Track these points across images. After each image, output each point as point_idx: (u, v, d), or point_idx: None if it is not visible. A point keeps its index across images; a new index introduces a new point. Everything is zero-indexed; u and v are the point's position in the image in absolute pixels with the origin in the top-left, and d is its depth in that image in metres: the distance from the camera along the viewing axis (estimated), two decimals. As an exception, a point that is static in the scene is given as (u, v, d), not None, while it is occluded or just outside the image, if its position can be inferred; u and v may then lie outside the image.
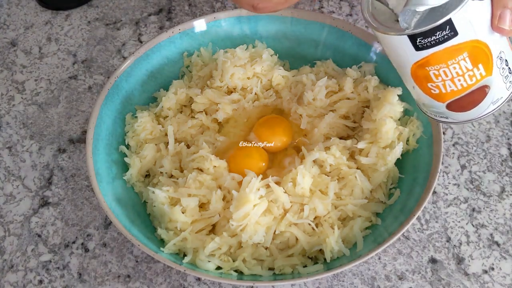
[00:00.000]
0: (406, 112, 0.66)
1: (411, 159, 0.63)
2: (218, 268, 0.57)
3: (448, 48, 0.47)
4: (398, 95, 0.64)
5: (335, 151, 0.61)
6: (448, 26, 0.46)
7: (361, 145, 0.63)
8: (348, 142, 0.64)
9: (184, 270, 0.54)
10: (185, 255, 0.58)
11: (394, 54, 0.52)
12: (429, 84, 0.51)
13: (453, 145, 0.71)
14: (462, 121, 0.54)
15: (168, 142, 0.66)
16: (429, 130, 0.62)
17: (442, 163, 0.69)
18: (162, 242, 0.59)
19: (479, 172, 0.69)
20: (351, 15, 0.85)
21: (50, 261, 0.64)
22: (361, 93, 0.67)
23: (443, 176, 0.68)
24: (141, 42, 0.84)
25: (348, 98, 0.67)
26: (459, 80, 0.50)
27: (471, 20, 0.46)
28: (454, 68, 0.49)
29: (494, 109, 0.52)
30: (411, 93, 0.56)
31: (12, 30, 0.86)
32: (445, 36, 0.46)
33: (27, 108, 0.77)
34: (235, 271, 0.57)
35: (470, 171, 0.69)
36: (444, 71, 0.49)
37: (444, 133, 0.71)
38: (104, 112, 0.66)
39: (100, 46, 0.83)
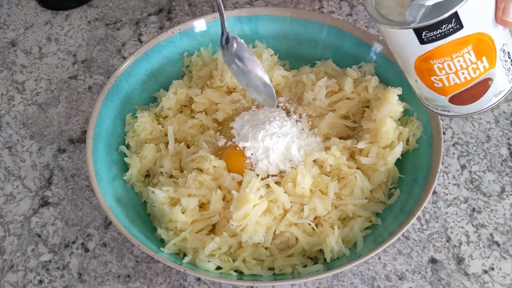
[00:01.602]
0: (406, 112, 0.66)
1: (411, 159, 0.63)
2: (218, 268, 0.57)
3: (453, 41, 0.48)
4: (398, 95, 0.64)
5: (335, 151, 0.61)
6: (454, 19, 0.46)
7: (361, 145, 0.63)
8: (348, 142, 0.64)
9: (184, 270, 0.54)
10: (185, 255, 0.58)
11: (398, 48, 0.52)
12: (432, 78, 0.51)
13: (453, 145, 0.71)
14: (464, 114, 0.54)
15: (168, 142, 0.66)
16: (429, 130, 0.62)
17: (442, 163, 0.69)
18: (162, 242, 0.59)
19: (479, 172, 0.69)
20: (351, 15, 0.85)
21: (50, 261, 0.64)
22: (361, 93, 0.67)
23: (443, 176, 0.68)
24: (141, 42, 0.84)
25: (348, 98, 0.67)
26: (463, 73, 0.50)
27: (476, 13, 0.47)
28: (459, 61, 0.49)
29: (496, 102, 0.53)
30: (412, 87, 0.56)
31: (12, 30, 0.86)
32: (451, 29, 0.47)
33: (27, 108, 0.77)
34: (235, 271, 0.57)
35: (470, 171, 0.69)
36: (448, 64, 0.49)
37: (444, 133, 0.71)
38: (104, 112, 0.66)
39: (100, 46, 0.83)
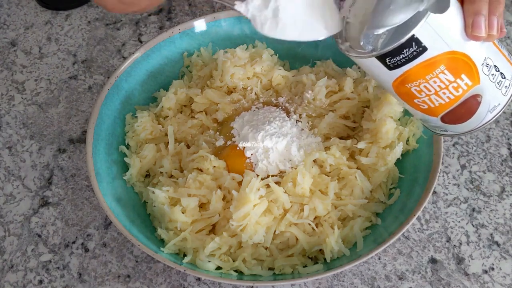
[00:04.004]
0: (406, 112, 0.66)
1: (411, 159, 0.63)
2: (218, 268, 0.57)
3: (421, 64, 0.45)
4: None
5: (335, 151, 0.61)
6: (414, 43, 0.44)
7: (361, 145, 0.63)
8: (348, 142, 0.64)
9: (184, 270, 0.54)
10: (185, 255, 0.58)
11: (374, 75, 0.50)
12: (415, 101, 0.50)
13: (453, 145, 0.71)
14: (463, 132, 0.52)
15: (168, 142, 0.66)
16: (429, 130, 0.62)
17: (442, 163, 0.69)
18: (162, 242, 0.59)
19: (479, 172, 0.69)
20: (351, 15, 0.85)
21: (50, 261, 0.64)
22: (361, 93, 0.67)
23: (443, 176, 0.68)
24: (141, 42, 0.84)
25: (348, 98, 0.67)
26: (444, 93, 0.48)
27: (439, 33, 0.44)
28: (435, 82, 0.47)
29: (494, 117, 0.50)
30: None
31: (12, 30, 0.86)
32: (414, 53, 0.45)
33: (27, 108, 0.77)
34: (235, 271, 0.57)
35: (470, 171, 0.69)
36: (425, 86, 0.47)
37: (444, 133, 0.71)
38: (104, 112, 0.66)
39: (100, 46, 0.83)
